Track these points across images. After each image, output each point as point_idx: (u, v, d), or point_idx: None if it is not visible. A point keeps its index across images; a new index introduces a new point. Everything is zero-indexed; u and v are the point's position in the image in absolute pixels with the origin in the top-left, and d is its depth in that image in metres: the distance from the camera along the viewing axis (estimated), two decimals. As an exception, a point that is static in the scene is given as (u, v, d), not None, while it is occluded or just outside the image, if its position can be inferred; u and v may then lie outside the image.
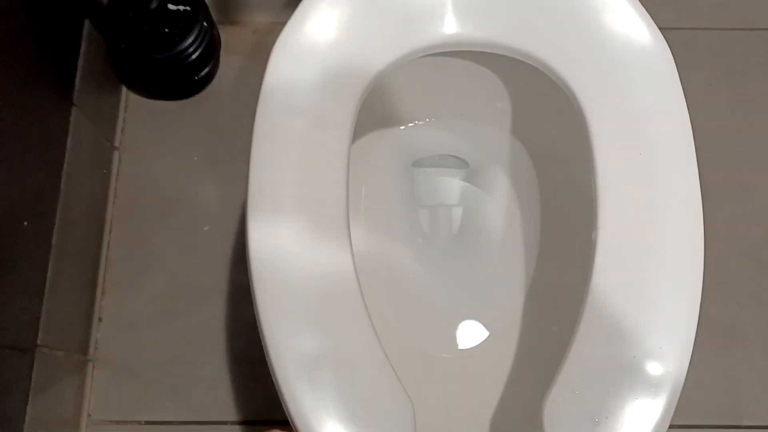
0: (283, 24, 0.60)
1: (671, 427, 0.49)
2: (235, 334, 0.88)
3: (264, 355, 0.51)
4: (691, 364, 0.51)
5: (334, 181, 0.54)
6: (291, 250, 0.52)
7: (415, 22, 0.58)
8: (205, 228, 0.92)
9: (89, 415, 0.84)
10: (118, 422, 0.84)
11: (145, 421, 0.85)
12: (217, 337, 0.88)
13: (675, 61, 1.03)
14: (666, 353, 0.48)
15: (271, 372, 0.50)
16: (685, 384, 0.50)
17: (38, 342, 0.74)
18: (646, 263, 0.50)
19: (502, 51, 0.57)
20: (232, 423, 0.85)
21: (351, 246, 0.52)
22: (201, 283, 0.90)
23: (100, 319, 0.88)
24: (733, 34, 1.02)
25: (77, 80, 0.83)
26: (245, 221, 0.51)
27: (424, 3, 0.58)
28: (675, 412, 0.49)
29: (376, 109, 0.68)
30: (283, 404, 0.50)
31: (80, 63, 0.84)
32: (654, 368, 0.48)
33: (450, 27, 0.58)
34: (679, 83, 0.53)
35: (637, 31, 0.55)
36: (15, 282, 0.71)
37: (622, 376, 0.48)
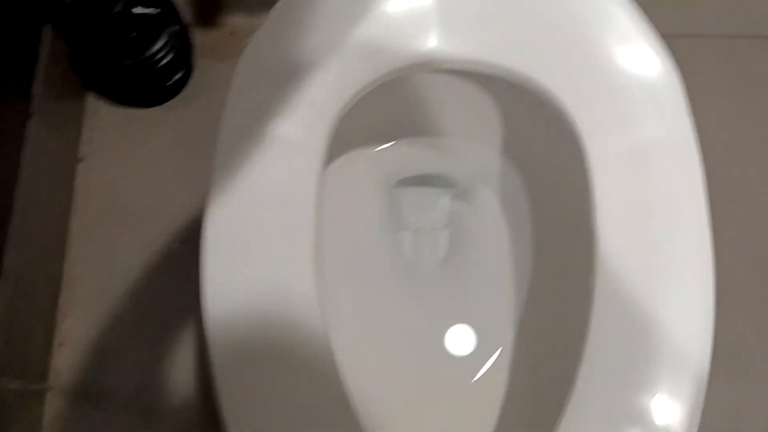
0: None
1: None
2: (207, 361, 0.83)
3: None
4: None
5: (302, 214, 0.49)
6: (251, 300, 0.46)
7: (399, 37, 0.52)
8: (176, 245, 0.86)
9: (47, 450, 0.79)
10: (78, 456, 0.79)
11: (107, 455, 0.79)
12: (188, 363, 0.83)
13: (679, 69, 0.98)
14: (674, 412, 0.42)
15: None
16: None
17: (-14, 376, 0.68)
18: (650, 314, 0.45)
19: (496, 71, 0.51)
20: (202, 458, 0.79)
21: (320, 294, 0.46)
22: (171, 304, 0.84)
23: (60, 344, 0.83)
24: (740, 41, 0.96)
25: (35, 89, 0.77)
26: (200, 271, 0.46)
27: (409, 16, 0.52)
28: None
29: (356, 126, 0.62)
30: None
31: (39, 70, 0.78)
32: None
33: (437, 44, 0.52)
34: (690, 115, 0.47)
35: (645, 56, 0.49)
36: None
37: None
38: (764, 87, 0.96)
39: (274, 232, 0.47)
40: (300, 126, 0.51)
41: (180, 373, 0.82)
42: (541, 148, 0.63)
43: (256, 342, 0.45)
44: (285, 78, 0.53)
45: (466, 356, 0.65)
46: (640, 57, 0.49)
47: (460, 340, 0.66)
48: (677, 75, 0.49)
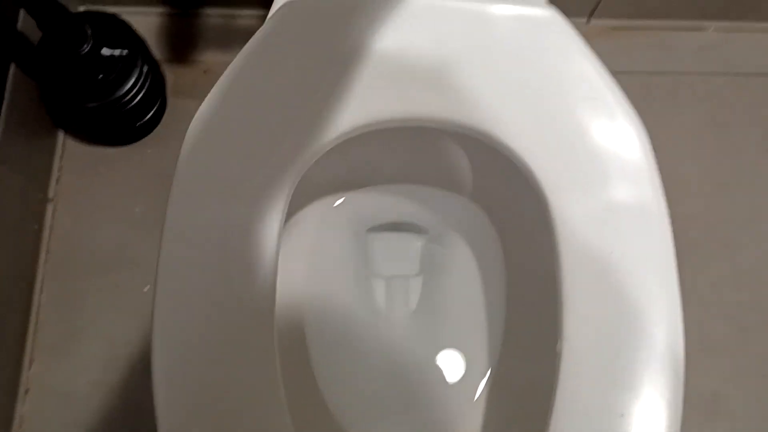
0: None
1: None
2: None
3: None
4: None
5: (259, 287, 0.47)
6: (203, 378, 0.45)
7: (367, 91, 0.51)
8: (146, 288, 0.85)
9: (10, 502, 0.77)
10: None
11: (73, 507, 0.77)
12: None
13: (657, 107, 0.97)
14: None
15: None
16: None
17: (-57, 431, 0.66)
18: (617, 388, 0.43)
19: (460, 130, 0.50)
20: None
21: (279, 367, 0.45)
22: (140, 349, 0.83)
23: (27, 391, 0.80)
24: (718, 79, 0.96)
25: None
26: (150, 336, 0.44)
27: (378, 70, 0.51)
28: None
29: (325, 173, 0.61)
30: None
31: (4, 112, 0.76)
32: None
33: (406, 102, 0.50)
34: (658, 177, 0.46)
35: (614, 118, 0.48)
36: None
37: None
38: (741, 123, 0.95)
39: (230, 296, 0.46)
40: (261, 181, 0.49)
41: (149, 420, 0.80)
42: (512, 198, 0.62)
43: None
44: (245, 131, 0.52)
45: (435, 413, 0.63)
46: (610, 119, 0.48)
47: (431, 394, 0.65)
48: (647, 139, 0.48)
